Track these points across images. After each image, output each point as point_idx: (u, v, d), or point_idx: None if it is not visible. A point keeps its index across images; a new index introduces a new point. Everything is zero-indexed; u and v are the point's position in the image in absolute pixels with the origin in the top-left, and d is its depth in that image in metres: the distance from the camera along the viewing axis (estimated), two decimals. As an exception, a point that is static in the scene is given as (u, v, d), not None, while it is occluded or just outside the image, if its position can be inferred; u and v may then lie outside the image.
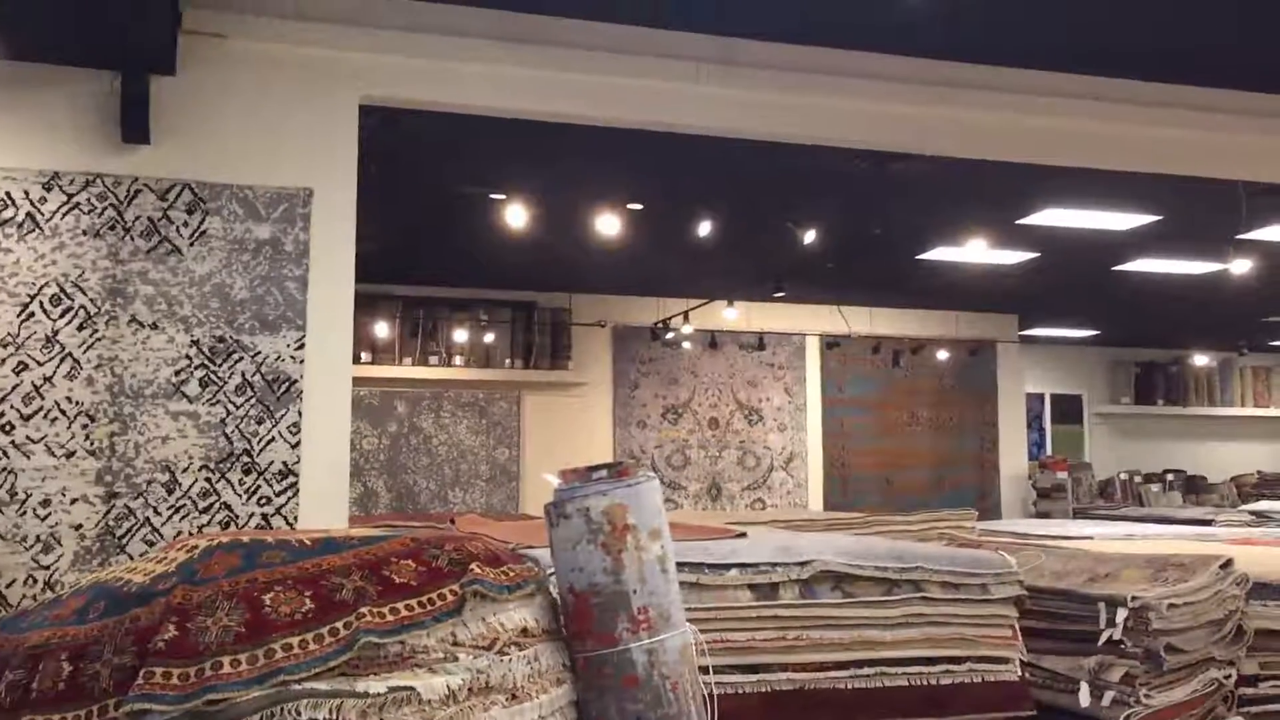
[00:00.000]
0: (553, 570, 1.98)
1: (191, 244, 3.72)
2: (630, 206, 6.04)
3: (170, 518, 3.59)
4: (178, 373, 3.66)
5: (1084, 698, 2.75)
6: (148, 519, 3.58)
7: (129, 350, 3.63)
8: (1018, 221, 6.45)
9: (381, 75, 4.01)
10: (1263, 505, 7.57)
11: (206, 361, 3.69)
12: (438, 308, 8.57)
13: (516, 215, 5.73)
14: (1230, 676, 2.88)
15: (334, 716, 1.56)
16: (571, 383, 8.84)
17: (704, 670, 1.97)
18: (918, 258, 7.49)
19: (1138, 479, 10.50)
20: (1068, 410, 11.61)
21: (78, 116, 3.70)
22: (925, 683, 2.60)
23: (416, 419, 8.53)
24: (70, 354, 3.59)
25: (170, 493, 3.61)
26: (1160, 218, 6.37)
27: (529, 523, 4.21)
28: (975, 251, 7.10)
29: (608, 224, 5.94)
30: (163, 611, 1.64)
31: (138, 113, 3.64)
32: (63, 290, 3.61)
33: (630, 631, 1.86)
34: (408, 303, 8.47)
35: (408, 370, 8.43)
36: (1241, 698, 2.92)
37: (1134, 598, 2.73)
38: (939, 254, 7.39)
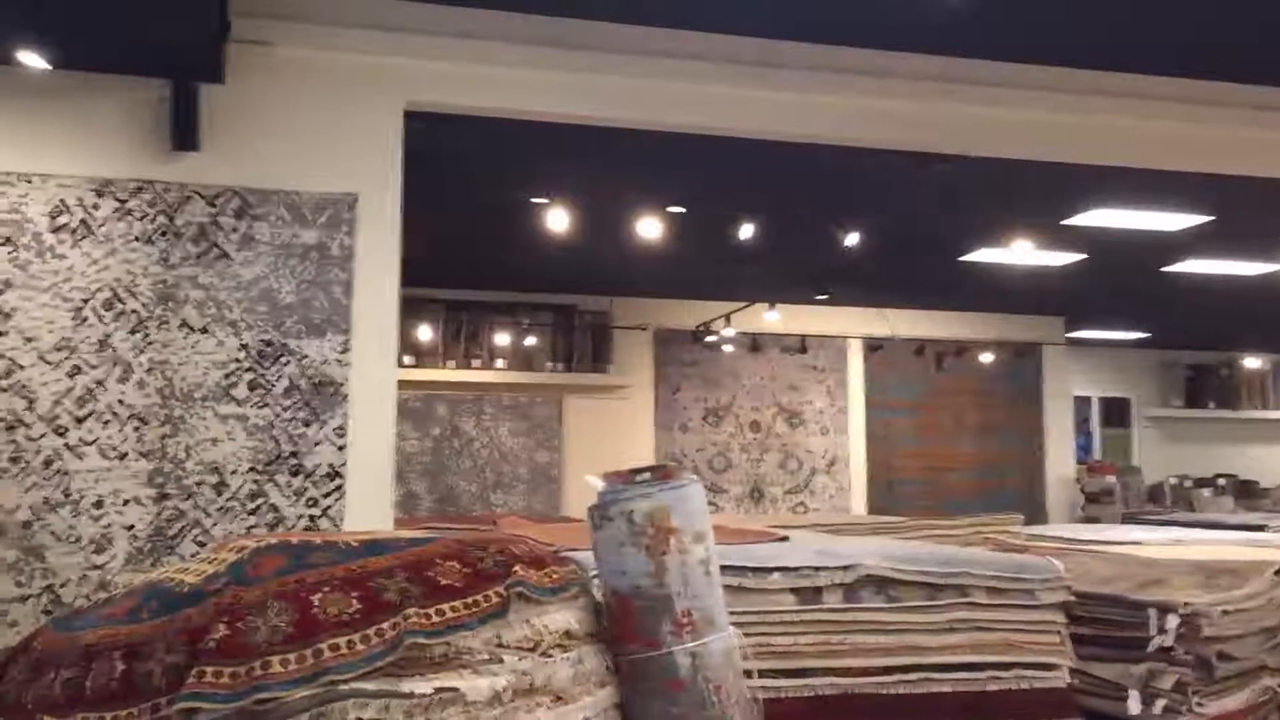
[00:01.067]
0: (595, 573, 1.99)
1: (240, 249, 3.78)
2: (671, 209, 6.04)
3: (220, 519, 3.65)
4: (227, 376, 3.72)
5: (1133, 705, 2.70)
6: (198, 520, 3.63)
7: (179, 354, 3.70)
8: (1064, 222, 6.37)
9: (426, 81, 4.05)
10: (1318, 510, 7.42)
11: (255, 365, 3.74)
12: (480, 311, 8.62)
13: (558, 219, 5.75)
14: (1285, 685, 2.82)
15: (380, 716, 1.58)
16: (613, 386, 8.85)
17: (747, 674, 1.96)
18: (961, 259, 7.41)
19: (1187, 483, 10.32)
20: (1116, 413, 11.44)
21: (129, 125, 3.77)
22: (971, 689, 2.57)
23: (458, 422, 8.58)
24: (122, 358, 3.66)
25: (219, 494, 3.66)
26: (1212, 218, 6.26)
27: (570, 525, 4.22)
28: (1021, 253, 7.02)
29: (649, 227, 5.95)
30: (214, 611, 1.66)
31: (187, 120, 3.71)
32: (115, 295, 3.68)
33: (674, 635, 1.86)
34: (450, 306, 8.53)
35: (450, 373, 8.48)
36: (1296, 707, 2.86)
37: (1185, 604, 2.69)
38: (983, 255, 7.31)
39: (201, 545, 3.55)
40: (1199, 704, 2.64)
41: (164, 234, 3.73)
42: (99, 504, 3.58)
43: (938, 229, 6.68)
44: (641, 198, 5.90)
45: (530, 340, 8.69)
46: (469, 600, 1.73)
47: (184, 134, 3.72)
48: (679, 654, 1.85)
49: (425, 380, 8.40)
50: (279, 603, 1.66)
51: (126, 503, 3.60)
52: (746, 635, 2.10)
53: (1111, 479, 9.73)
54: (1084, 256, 7.29)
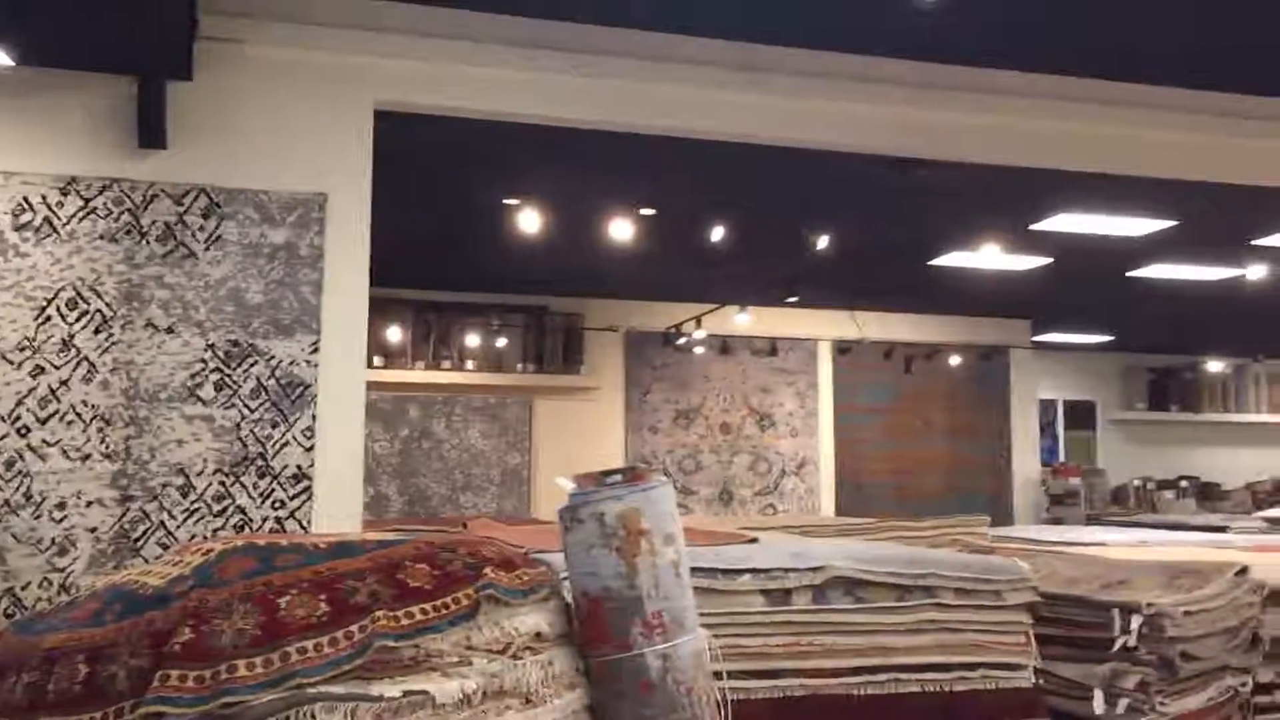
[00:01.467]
0: (566, 575, 1.99)
1: (207, 248, 3.74)
2: (643, 211, 6.05)
3: (185, 521, 3.61)
4: (193, 376, 3.68)
5: (1098, 705, 2.73)
6: (162, 522, 3.59)
7: (144, 354, 3.65)
8: (1031, 227, 6.43)
9: (395, 80, 4.03)
10: (1277, 512, 7.53)
11: (221, 365, 3.71)
12: (450, 312, 8.59)
13: (530, 220, 5.74)
14: (1246, 684, 2.86)
15: (349, 719, 1.57)
16: (583, 387, 8.84)
17: (717, 675, 1.96)
18: (931, 263, 7.47)
19: (1151, 485, 10.44)
20: (1081, 416, 11.56)
21: (95, 122, 3.72)
22: (939, 689, 2.59)
23: (428, 423, 8.54)
24: (86, 358, 3.61)
25: (185, 496, 3.62)
26: (1176, 223, 6.34)
27: (541, 527, 4.21)
28: (989, 257, 7.08)
29: (621, 229, 5.95)
30: (179, 614, 1.65)
31: (154, 118, 3.67)
32: (79, 294, 3.63)
33: (644, 636, 1.86)
34: (420, 307, 8.49)
35: (420, 374, 8.44)
36: (1257, 706, 2.90)
37: (1149, 604, 2.72)
38: (952, 259, 7.37)
39: (166, 548, 3.51)
40: (1162, 703, 2.67)
41: (129, 233, 3.69)
42: (61, 505, 3.53)
43: (908, 232, 6.72)
44: (613, 199, 5.90)
45: (501, 341, 8.67)
46: (438, 603, 1.73)
47: (151, 132, 3.67)
48: (649, 655, 1.85)
49: (395, 381, 8.35)
50: (245, 605, 1.65)
51: (90, 504, 3.55)
52: (716, 637, 2.11)
53: (1076, 481, 9.83)
54: (1050, 261, 7.36)
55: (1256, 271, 6.71)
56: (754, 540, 2.96)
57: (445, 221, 6.59)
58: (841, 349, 9.42)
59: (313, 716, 1.56)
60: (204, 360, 3.69)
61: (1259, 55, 4.39)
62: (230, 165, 3.81)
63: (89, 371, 3.61)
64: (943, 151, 4.71)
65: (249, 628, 1.62)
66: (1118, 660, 2.76)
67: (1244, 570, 2.87)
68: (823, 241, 6.28)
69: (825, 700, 2.50)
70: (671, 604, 1.89)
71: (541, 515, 7.47)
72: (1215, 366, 11.46)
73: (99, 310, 3.64)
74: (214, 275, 3.74)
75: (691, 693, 1.87)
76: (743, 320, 8.72)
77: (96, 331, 3.63)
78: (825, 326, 9.43)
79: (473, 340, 8.56)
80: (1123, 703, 2.71)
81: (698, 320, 8.63)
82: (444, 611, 1.72)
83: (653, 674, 1.85)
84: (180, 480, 3.63)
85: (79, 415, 3.58)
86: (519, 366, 8.68)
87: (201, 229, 3.74)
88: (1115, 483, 10.51)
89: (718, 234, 6.27)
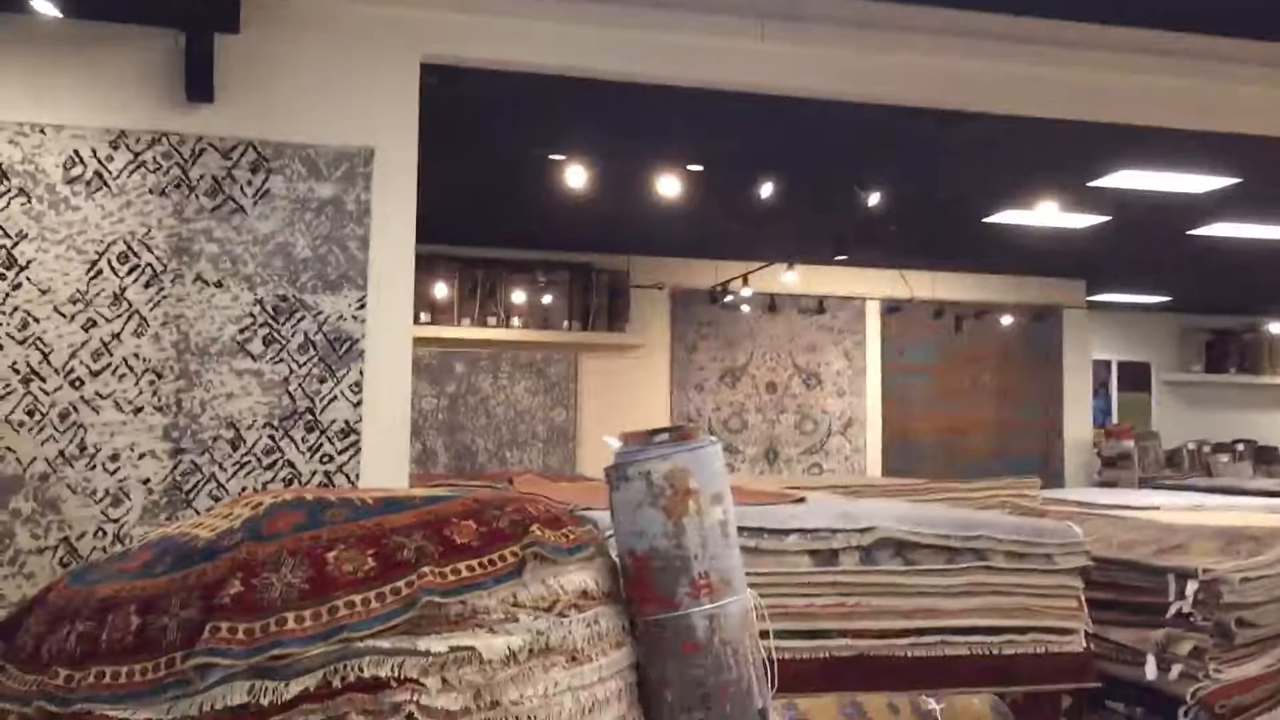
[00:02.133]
0: (612, 533, 1.97)
1: (255, 203, 3.75)
2: (690, 168, 5.98)
3: (235, 474, 3.66)
4: (242, 331, 3.71)
5: (1150, 670, 2.70)
6: (213, 475, 3.64)
7: (194, 308, 3.68)
8: (1089, 184, 6.27)
9: (443, 34, 3.99)
10: (1338, 477, 7.37)
11: (270, 320, 3.73)
12: (496, 269, 8.59)
13: (576, 176, 5.69)
14: (1305, 653, 2.80)
15: (395, 674, 1.57)
16: (629, 345, 8.83)
17: (764, 635, 1.95)
18: (984, 220, 7.33)
19: (1206, 449, 10.25)
20: (1135, 378, 11.35)
21: (143, 75, 3.73)
22: (987, 652, 2.57)
23: (475, 379, 8.58)
24: (137, 311, 3.65)
25: (235, 449, 3.66)
26: (1239, 180, 6.15)
27: (587, 484, 4.22)
28: (1044, 215, 6.93)
29: (667, 185, 5.89)
30: (228, 567, 1.65)
31: (202, 71, 3.67)
32: (130, 248, 3.66)
33: (691, 596, 1.85)
34: (466, 263, 8.50)
35: (466, 331, 8.47)
36: (1316, 675, 2.84)
37: (1205, 570, 2.67)
38: (1006, 217, 7.22)
39: (217, 500, 3.56)
40: (1216, 670, 2.63)
41: (178, 187, 3.70)
42: (115, 457, 3.58)
43: (960, 189, 6.59)
44: (660, 155, 5.83)
45: (546, 298, 8.66)
46: (485, 559, 1.72)
47: (198, 85, 3.68)
48: (696, 616, 1.84)
49: (441, 338, 8.38)
50: (294, 559, 1.65)
51: (142, 456, 3.60)
52: (763, 596, 2.09)
53: (1129, 443, 9.67)
54: (1108, 219, 7.19)
55: (1323, 230, 6.50)
56: (801, 500, 2.94)
57: (492, 177, 6.57)
58: (890, 308, 9.31)
59: (361, 670, 1.56)
60: (253, 315, 3.72)
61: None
62: (277, 119, 3.81)
63: (140, 325, 3.64)
64: (997, 105, 4.58)
65: (298, 581, 1.62)
66: (1172, 626, 2.71)
67: (1306, 537, 2.80)
68: (873, 198, 6.17)
69: (872, 661, 2.49)
70: (719, 564, 1.87)
71: (587, 472, 7.49)
72: (1276, 328, 11.19)
73: (149, 264, 3.67)
74: (262, 230, 3.75)
75: (738, 653, 1.86)
76: (790, 278, 8.63)
77: (147, 285, 3.66)
78: (874, 285, 9.32)
79: (519, 297, 8.57)
80: (1176, 669, 2.67)
81: (744, 278, 8.55)
82: (490, 569, 1.71)
83: (699, 634, 1.84)
84: (230, 433, 3.67)
85: (130, 368, 3.62)
86: (564, 323, 8.68)
87: (249, 183, 3.75)
88: (1169, 445, 10.33)
89: (766, 191, 6.18)
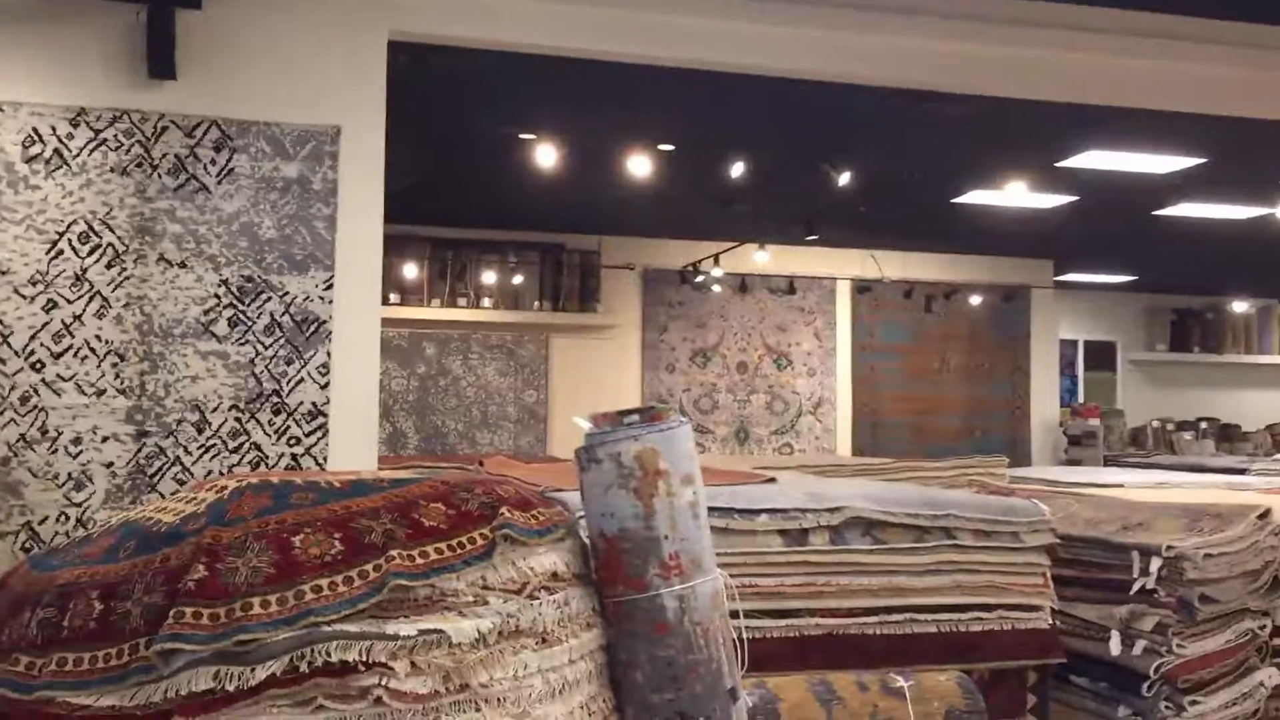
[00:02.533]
0: (583, 514, 1.97)
1: (219, 182, 3.70)
2: (661, 147, 5.96)
3: (200, 457, 3.62)
4: (206, 312, 3.66)
5: (1115, 646, 2.73)
6: (178, 458, 3.60)
7: (157, 289, 3.63)
8: (1057, 164, 6.31)
9: (410, 10, 3.94)
10: (1299, 455, 7.49)
11: (235, 301, 3.68)
12: (466, 249, 8.53)
13: (546, 155, 5.66)
14: (1265, 627, 2.85)
15: (364, 658, 1.56)
16: (600, 325, 8.81)
17: (734, 615, 1.95)
18: (953, 201, 7.36)
19: (1170, 427, 10.38)
20: (1101, 357, 11.46)
21: (104, 51, 3.66)
22: (955, 629, 2.59)
23: (445, 360, 8.54)
24: (99, 292, 3.59)
25: (200, 432, 3.62)
26: (1204, 160, 6.20)
27: (557, 465, 4.21)
28: (1012, 195, 6.96)
29: (638, 165, 5.86)
30: (193, 551, 1.64)
31: (163, 47, 3.60)
32: (91, 228, 3.60)
33: (661, 577, 1.85)
34: (436, 244, 8.44)
35: (436, 312, 8.42)
36: (1275, 648, 2.89)
37: (1169, 547, 2.70)
38: (974, 197, 7.25)
39: (181, 484, 3.52)
40: (1179, 645, 2.67)
41: (140, 165, 3.64)
42: (77, 441, 3.53)
43: (930, 169, 6.61)
44: (631, 135, 5.81)
45: (517, 279, 8.62)
46: (454, 542, 1.71)
47: (160, 62, 3.61)
48: (666, 596, 1.84)
49: (410, 318, 8.33)
50: (259, 543, 1.63)
51: (105, 440, 3.56)
52: (733, 576, 2.09)
53: (1095, 422, 9.78)
54: (1075, 199, 7.24)
55: (1287, 210, 6.58)
56: (772, 480, 2.95)
57: (461, 157, 6.51)
58: (861, 288, 9.34)
59: (328, 655, 1.55)
60: (217, 296, 3.67)
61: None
62: (241, 97, 3.75)
63: (102, 306, 3.59)
64: (966, 85, 4.59)
65: (263, 566, 1.61)
66: (1136, 602, 2.75)
67: (1267, 513, 2.84)
68: (843, 178, 6.18)
69: (842, 640, 2.50)
70: (689, 545, 1.87)
71: (558, 453, 7.49)
72: (1239, 307, 11.33)
73: (111, 244, 3.61)
74: (226, 209, 3.70)
75: (708, 633, 1.86)
76: (761, 258, 8.63)
77: (109, 266, 3.60)
78: (844, 265, 9.35)
79: (489, 277, 8.52)
80: (1140, 644, 2.70)
81: (715, 258, 8.55)
82: (460, 551, 1.70)
83: (669, 615, 1.84)
84: (195, 416, 3.63)
85: (93, 350, 3.57)
86: (535, 304, 8.65)
87: (213, 162, 3.70)
88: (1134, 424, 10.45)
89: (736, 170, 6.17)
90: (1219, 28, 4.53)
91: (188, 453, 3.61)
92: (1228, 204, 7.32)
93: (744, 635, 1.97)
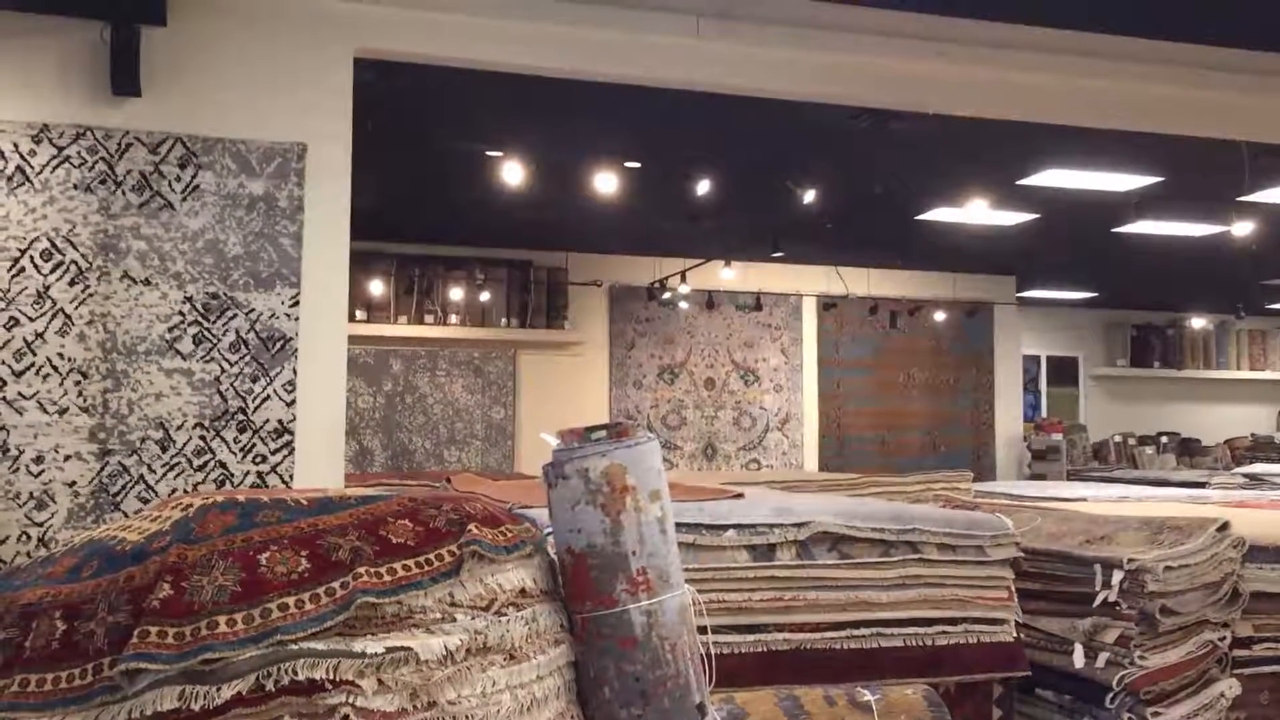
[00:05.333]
0: (550, 531, 1.97)
1: (184, 199, 3.68)
2: (628, 164, 5.98)
3: (165, 475, 3.58)
4: (171, 329, 3.63)
5: (1078, 659, 2.76)
6: (142, 476, 3.56)
7: (121, 306, 3.60)
8: (1018, 182, 6.40)
9: (376, 27, 3.95)
10: (1257, 468, 7.60)
11: (200, 318, 3.66)
12: (433, 266, 8.52)
13: (513, 173, 5.67)
14: (1225, 639, 2.89)
15: (331, 676, 1.55)
16: (567, 342, 8.82)
17: (701, 630, 1.96)
18: (917, 218, 7.44)
19: (1132, 441, 10.52)
20: (1064, 372, 11.61)
21: (67, 67, 3.63)
22: (921, 643, 2.61)
23: (412, 377, 8.51)
24: (62, 310, 3.55)
25: (165, 450, 3.59)
26: (1162, 179, 6.32)
27: (525, 482, 4.20)
28: (975, 212, 7.05)
29: (605, 182, 5.89)
30: (157, 570, 1.62)
31: (128, 64, 3.58)
32: (54, 245, 3.57)
33: (629, 593, 1.85)
34: (403, 261, 8.42)
35: (403, 329, 8.39)
36: (1235, 659, 2.93)
37: (1130, 560, 2.73)
38: (938, 214, 7.34)
39: (145, 502, 3.48)
40: (1141, 657, 2.70)
41: (104, 182, 3.61)
42: (39, 459, 3.49)
43: (894, 187, 6.68)
44: (598, 152, 5.83)
45: (485, 296, 8.61)
46: (422, 559, 1.71)
47: (124, 78, 3.59)
48: (634, 612, 1.85)
49: (378, 335, 8.30)
50: (225, 561, 1.62)
51: (68, 458, 3.51)
52: (701, 592, 2.10)
53: (1058, 437, 9.89)
54: (1036, 216, 7.34)
55: (1241, 228, 6.70)
56: (739, 496, 2.96)
57: (428, 174, 6.51)
58: (826, 304, 9.41)
59: (295, 673, 1.54)
60: (182, 313, 3.64)
61: (1247, 9, 4.34)
62: (207, 114, 3.73)
63: (65, 324, 3.55)
64: (929, 104, 4.66)
65: (229, 584, 1.60)
66: (1099, 615, 2.78)
67: (1226, 526, 2.89)
68: (808, 196, 6.23)
69: (809, 654, 2.51)
70: (656, 560, 1.88)
71: (526, 469, 7.47)
72: (1197, 323, 11.52)
73: (74, 261, 3.58)
74: (191, 226, 3.68)
75: (676, 648, 1.87)
76: (728, 275, 8.69)
77: (72, 283, 3.57)
78: (810, 282, 9.42)
79: (456, 294, 8.51)
80: (1103, 656, 2.73)
81: (682, 275, 8.59)
82: (427, 568, 1.70)
83: (637, 630, 1.84)
84: (159, 434, 3.59)
85: (55, 368, 3.53)
86: (503, 321, 8.64)
87: (178, 179, 3.67)
88: (1096, 438, 10.59)
89: (703, 188, 6.21)
90: (1173, 50, 4.63)
91: (152, 471, 3.57)
92: (1184, 221, 7.45)
93: (712, 650, 1.98)
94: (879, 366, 9.66)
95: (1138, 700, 2.69)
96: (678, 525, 2.06)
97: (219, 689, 1.51)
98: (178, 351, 3.63)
